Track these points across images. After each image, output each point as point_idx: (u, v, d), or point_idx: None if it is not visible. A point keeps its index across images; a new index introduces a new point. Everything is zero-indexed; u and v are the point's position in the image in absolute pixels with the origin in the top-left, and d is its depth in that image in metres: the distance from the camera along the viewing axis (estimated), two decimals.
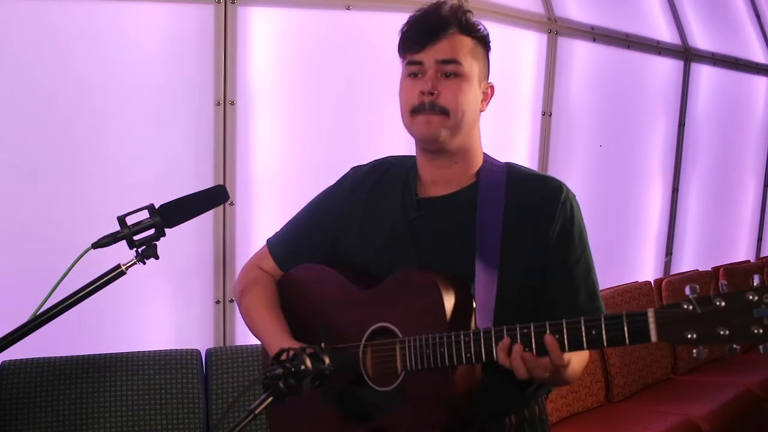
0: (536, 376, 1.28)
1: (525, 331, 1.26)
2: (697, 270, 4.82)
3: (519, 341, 1.27)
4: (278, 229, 1.75)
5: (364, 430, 1.45)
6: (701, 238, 4.99)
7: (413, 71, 1.46)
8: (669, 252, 4.71)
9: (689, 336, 1.12)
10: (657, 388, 3.98)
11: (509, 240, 1.43)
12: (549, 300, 1.45)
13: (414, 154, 1.58)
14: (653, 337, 1.15)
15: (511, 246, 1.43)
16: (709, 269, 4.92)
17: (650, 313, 1.16)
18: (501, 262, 1.42)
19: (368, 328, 1.46)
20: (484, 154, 1.56)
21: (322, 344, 1.46)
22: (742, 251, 5.49)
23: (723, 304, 1.10)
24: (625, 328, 1.18)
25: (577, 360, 1.40)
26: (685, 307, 1.13)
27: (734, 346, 1.11)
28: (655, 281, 4.42)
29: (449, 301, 1.37)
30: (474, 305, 1.39)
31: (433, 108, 1.43)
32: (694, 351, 1.13)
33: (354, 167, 1.68)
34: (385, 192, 1.59)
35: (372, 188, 1.60)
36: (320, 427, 1.53)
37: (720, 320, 1.11)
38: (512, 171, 1.53)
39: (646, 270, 4.55)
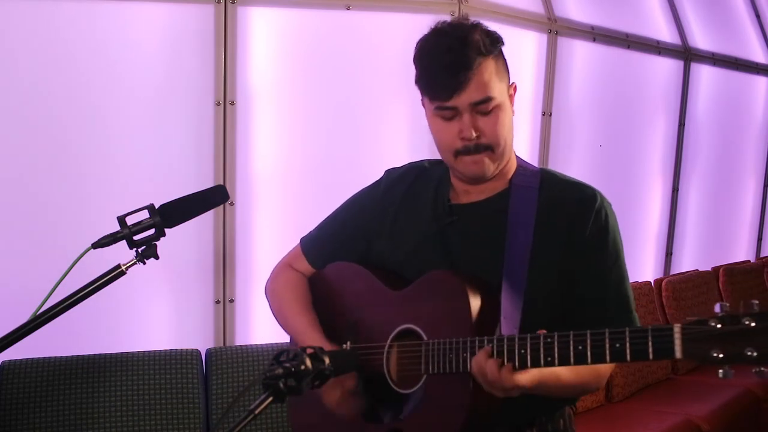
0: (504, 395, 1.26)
1: (548, 340, 1.21)
2: (697, 270, 4.82)
3: (542, 350, 1.23)
4: (312, 229, 1.74)
5: (385, 430, 1.45)
6: (701, 238, 4.99)
7: (445, 116, 1.41)
8: (669, 252, 4.72)
9: (715, 355, 1.07)
10: (657, 388, 3.98)
11: (540, 246, 1.42)
12: (578, 309, 1.42)
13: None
14: (678, 354, 1.10)
15: (542, 253, 1.42)
16: (709, 269, 4.92)
17: (676, 328, 1.10)
18: (530, 269, 1.40)
19: (394, 328, 1.46)
20: (518, 158, 1.55)
21: (348, 343, 1.50)
22: (742, 251, 5.49)
23: (753, 324, 1.05)
24: (650, 343, 1.12)
25: (571, 375, 1.36)
26: (713, 324, 1.08)
27: (762, 368, 1.06)
28: (655, 281, 4.42)
29: (476, 307, 1.35)
30: (500, 312, 1.37)
31: (477, 150, 1.41)
32: (721, 371, 1.08)
33: (388, 170, 1.67)
34: (417, 196, 1.58)
35: (405, 192, 1.60)
36: (341, 425, 1.52)
37: (748, 340, 1.05)
38: (546, 176, 1.51)
39: (646, 270, 4.55)
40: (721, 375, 1.08)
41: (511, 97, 1.49)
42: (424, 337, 1.40)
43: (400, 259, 1.54)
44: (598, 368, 1.41)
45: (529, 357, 1.23)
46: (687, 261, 4.87)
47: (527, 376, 1.24)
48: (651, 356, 1.13)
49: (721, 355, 1.07)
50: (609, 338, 1.16)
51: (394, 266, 1.55)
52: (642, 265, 4.52)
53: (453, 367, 1.32)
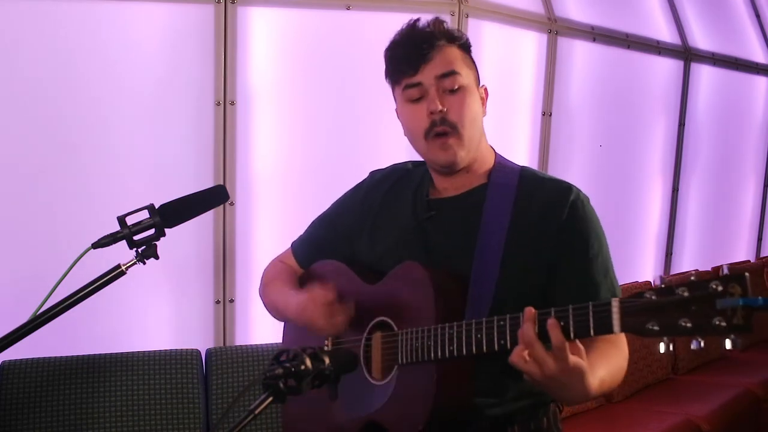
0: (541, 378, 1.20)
1: (501, 323, 1.24)
2: (697, 270, 4.81)
3: (496, 333, 1.24)
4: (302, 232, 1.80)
5: (361, 422, 1.47)
6: (701, 238, 4.99)
7: (413, 96, 1.45)
8: (669, 252, 4.72)
9: (651, 327, 1.06)
10: (657, 388, 3.98)
11: (514, 240, 1.43)
12: (568, 298, 1.40)
13: None
14: (616, 328, 1.10)
15: (516, 244, 1.43)
16: (710, 269, 4.92)
17: (614, 302, 1.11)
18: (503, 260, 1.41)
19: (370, 321, 1.49)
20: (498, 155, 1.56)
21: (330, 338, 1.54)
22: (742, 251, 5.49)
23: (686, 294, 1.03)
24: (590, 318, 1.13)
25: (608, 368, 1.33)
26: (648, 296, 1.07)
27: (699, 339, 1.03)
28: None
29: (439, 295, 1.38)
30: (467, 301, 1.39)
31: (443, 123, 1.42)
32: (661, 344, 1.06)
33: (372, 171, 1.71)
34: (398, 196, 1.61)
35: (386, 192, 1.63)
36: (326, 416, 1.56)
37: (682, 311, 1.03)
38: (525, 174, 1.53)
39: (646, 270, 4.55)
40: (662, 349, 1.07)
41: (482, 99, 1.51)
42: (395, 329, 1.43)
43: (381, 256, 1.57)
44: (619, 355, 1.39)
45: (484, 340, 1.26)
46: (687, 261, 4.87)
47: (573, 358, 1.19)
48: (592, 332, 1.13)
49: (656, 327, 1.06)
50: (555, 317, 1.17)
51: (375, 264, 1.58)
52: (642, 265, 4.52)
53: (419, 356, 1.35)
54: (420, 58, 1.42)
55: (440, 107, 1.41)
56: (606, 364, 1.32)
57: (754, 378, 4.10)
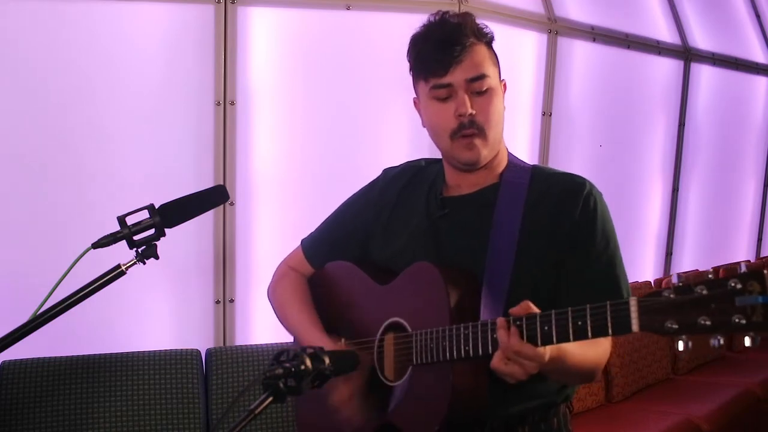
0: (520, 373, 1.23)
1: (518, 323, 1.24)
2: (698, 270, 4.82)
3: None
4: (313, 230, 1.78)
5: (377, 423, 1.46)
6: (701, 237, 4.99)
7: (441, 96, 1.43)
8: (669, 252, 4.72)
9: (670, 325, 1.05)
10: (657, 388, 3.98)
11: (527, 235, 1.43)
12: (569, 293, 1.42)
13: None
14: (635, 327, 1.09)
15: (529, 241, 1.42)
16: (710, 269, 4.91)
17: (633, 301, 1.10)
18: (517, 257, 1.41)
19: (383, 322, 1.49)
20: (510, 154, 1.56)
21: (343, 341, 1.54)
22: (742, 251, 5.49)
23: (705, 292, 1.04)
24: (608, 318, 1.12)
25: (587, 352, 1.35)
26: (666, 295, 1.07)
27: (719, 338, 1.03)
28: (655, 281, 4.42)
29: (453, 295, 1.37)
30: (481, 300, 1.39)
31: (472, 125, 1.42)
32: (680, 343, 1.05)
33: (385, 169, 1.70)
34: (412, 194, 1.60)
35: (400, 190, 1.62)
36: (338, 421, 1.54)
37: (701, 309, 1.03)
38: (537, 172, 1.53)
39: (646, 270, 4.55)
40: (680, 348, 1.06)
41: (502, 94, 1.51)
42: (409, 329, 1.43)
43: (393, 254, 1.56)
44: (600, 347, 1.40)
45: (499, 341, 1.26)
46: (687, 261, 4.87)
47: (546, 348, 1.23)
48: (610, 331, 1.13)
49: (675, 326, 1.05)
50: (572, 316, 1.17)
51: (387, 261, 1.57)
52: (642, 265, 4.52)
53: (434, 356, 1.34)
54: (451, 59, 1.41)
55: (470, 111, 1.41)
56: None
57: (754, 378, 4.10)
